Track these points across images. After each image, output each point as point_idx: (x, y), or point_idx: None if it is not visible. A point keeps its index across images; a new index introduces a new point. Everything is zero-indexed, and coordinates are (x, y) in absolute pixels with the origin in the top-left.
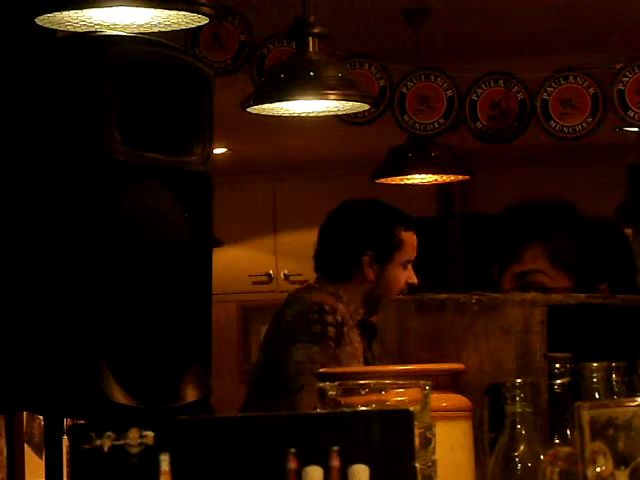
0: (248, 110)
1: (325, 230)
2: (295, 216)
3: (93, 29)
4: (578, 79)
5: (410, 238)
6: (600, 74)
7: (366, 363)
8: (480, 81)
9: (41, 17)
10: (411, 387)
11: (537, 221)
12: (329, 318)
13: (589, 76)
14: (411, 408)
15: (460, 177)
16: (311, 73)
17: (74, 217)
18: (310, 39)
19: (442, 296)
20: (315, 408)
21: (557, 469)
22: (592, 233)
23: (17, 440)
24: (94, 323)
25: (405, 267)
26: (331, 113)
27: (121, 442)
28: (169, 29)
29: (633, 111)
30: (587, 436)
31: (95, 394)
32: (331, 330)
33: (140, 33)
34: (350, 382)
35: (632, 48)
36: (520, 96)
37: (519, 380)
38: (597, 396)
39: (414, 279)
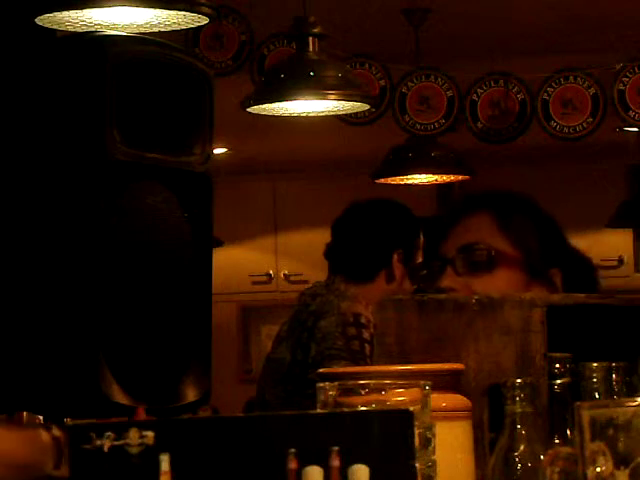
0: (248, 110)
1: (346, 229)
2: (295, 216)
3: (93, 29)
4: (578, 79)
5: (419, 242)
6: (600, 74)
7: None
8: (480, 81)
9: (41, 17)
10: (411, 387)
11: (490, 196)
12: (366, 333)
13: (589, 76)
14: (411, 408)
15: (460, 177)
16: (311, 73)
17: (74, 217)
18: (310, 39)
19: (442, 296)
20: (315, 408)
21: (557, 469)
22: (550, 221)
23: None
24: (94, 323)
25: None
26: (331, 113)
27: (121, 442)
28: (169, 29)
29: (633, 111)
30: (587, 436)
31: (95, 394)
32: (367, 347)
33: (140, 33)
34: (350, 382)
35: (632, 48)
36: (520, 96)
37: (519, 380)
38: (597, 396)
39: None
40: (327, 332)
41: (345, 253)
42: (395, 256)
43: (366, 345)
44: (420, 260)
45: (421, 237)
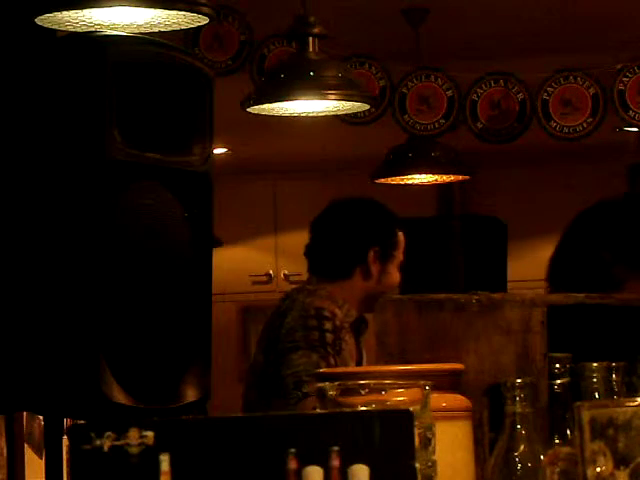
0: (248, 110)
1: (323, 227)
2: (295, 216)
3: (93, 29)
4: (578, 79)
5: (403, 239)
6: (600, 74)
7: (357, 364)
8: (480, 81)
9: (41, 17)
10: (411, 387)
11: None
12: (327, 324)
13: (589, 76)
14: (411, 408)
15: (460, 177)
16: (311, 73)
17: (74, 217)
18: (310, 39)
19: (442, 296)
20: (315, 408)
21: (557, 469)
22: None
23: (17, 440)
24: (94, 323)
25: (399, 268)
26: (331, 113)
27: (121, 442)
28: (169, 29)
29: (633, 111)
30: (587, 436)
31: (95, 394)
32: (329, 337)
33: (140, 33)
34: (350, 382)
35: (632, 48)
36: (520, 96)
37: (519, 380)
38: (597, 396)
39: (399, 280)
40: (289, 327)
41: (320, 251)
42: (371, 253)
43: (327, 335)
44: (401, 258)
45: (400, 235)
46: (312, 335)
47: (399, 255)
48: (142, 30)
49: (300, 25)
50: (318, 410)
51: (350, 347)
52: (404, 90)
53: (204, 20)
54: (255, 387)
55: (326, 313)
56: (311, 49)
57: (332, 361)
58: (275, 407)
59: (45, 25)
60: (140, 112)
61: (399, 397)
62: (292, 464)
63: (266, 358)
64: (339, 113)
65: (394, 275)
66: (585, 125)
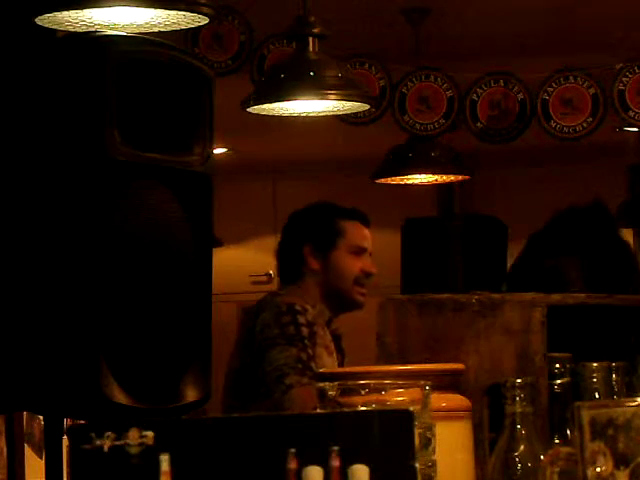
0: (248, 110)
1: (280, 242)
2: None
3: (93, 29)
4: (578, 79)
5: (353, 226)
6: (600, 74)
7: (340, 364)
8: (480, 81)
9: (41, 17)
10: (411, 387)
11: None
12: (301, 318)
13: (589, 76)
14: (411, 408)
15: (460, 177)
16: (311, 73)
17: (74, 217)
18: (310, 39)
19: (442, 296)
20: (315, 408)
21: (557, 469)
22: None
23: (17, 440)
24: (94, 323)
25: (356, 254)
26: (331, 113)
27: (121, 442)
28: (169, 29)
29: (633, 111)
30: (587, 436)
31: (95, 394)
32: (305, 330)
33: (140, 33)
34: (350, 382)
35: (632, 48)
36: (520, 96)
37: (519, 380)
38: (597, 396)
39: (370, 268)
40: (263, 325)
41: (278, 259)
42: (306, 249)
43: (302, 328)
44: (352, 244)
45: (342, 223)
46: (288, 330)
47: (348, 242)
48: (142, 30)
49: (300, 25)
50: (318, 410)
51: (328, 343)
52: (404, 90)
53: (204, 20)
54: (232, 393)
55: (298, 307)
56: (311, 49)
57: (311, 352)
58: (257, 404)
59: (45, 25)
60: (140, 112)
61: (399, 397)
62: (292, 464)
63: (242, 362)
64: (339, 113)
65: (346, 263)
66: (585, 125)
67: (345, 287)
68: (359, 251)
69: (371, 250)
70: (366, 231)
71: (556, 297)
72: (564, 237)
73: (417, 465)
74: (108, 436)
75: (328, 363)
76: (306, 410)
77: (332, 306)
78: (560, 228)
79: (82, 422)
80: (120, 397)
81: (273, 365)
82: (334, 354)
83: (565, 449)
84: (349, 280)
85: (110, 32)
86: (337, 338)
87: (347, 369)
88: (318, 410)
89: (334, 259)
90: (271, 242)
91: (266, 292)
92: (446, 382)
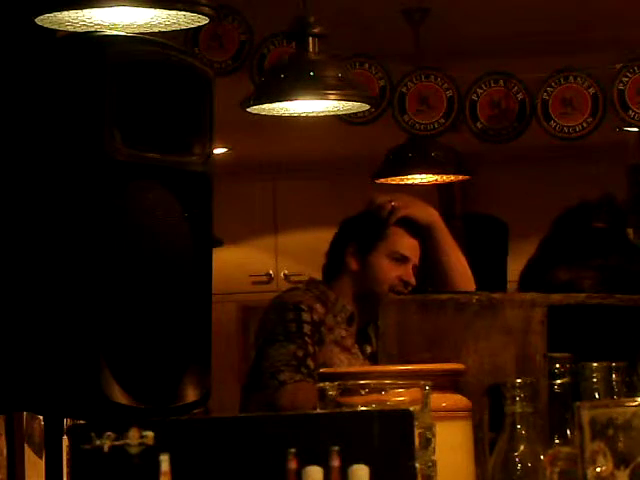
0: (248, 110)
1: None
2: (295, 216)
3: (93, 29)
4: (578, 79)
5: (398, 233)
6: (600, 74)
7: (372, 356)
8: (480, 81)
9: (41, 17)
10: (411, 387)
11: None
12: (305, 316)
13: (589, 76)
14: (411, 408)
15: (460, 177)
16: (311, 73)
17: (73, 217)
18: (310, 39)
19: (443, 296)
20: (312, 405)
21: (557, 469)
22: None
23: (17, 440)
24: (94, 323)
25: (396, 261)
26: (331, 113)
27: (121, 442)
28: (169, 29)
29: (633, 111)
30: (587, 436)
31: (95, 394)
32: (307, 327)
33: (140, 33)
34: (350, 382)
35: (632, 48)
36: (520, 96)
37: (519, 380)
38: (597, 396)
39: (409, 278)
40: (268, 321)
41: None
42: (349, 249)
43: (305, 325)
44: (393, 249)
45: (386, 228)
46: (290, 327)
47: (389, 247)
48: (142, 30)
49: (300, 25)
50: (318, 410)
51: (339, 338)
52: (404, 90)
53: (204, 20)
54: (245, 387)
55: (303, 306)
56: (311, 49)
57: (310, 350)
58: (254, 401)
59: (45, 25)
60: (140, 112)
61: (399, 397)
62: (292, 464)
63: (252, 356)
64: (339, 113)
65: (383, 267)
66: (585, 125)
67: (379, 291)
68: (400, 258)
69: (416, 262)
70: (412, 240)
71: (556, 297)
72: (578, 245)
73: (417, 465)
74: (108, 436)
75: (341, 359)
76: (297, 405)
77: (363, 308)
78: (572, 232)
79: (82, 422)
80: (120, 397)
81: (269, 361)
82: (353, 349)
83: (565, 449)
84: (384, 285)
85: (110, 32)
86: (363, 332)
87: (347, 369)
88: (318, 410)
89: (372, 262)
90: (271, 242)
91: (266, 292)
92: (446, 382)
